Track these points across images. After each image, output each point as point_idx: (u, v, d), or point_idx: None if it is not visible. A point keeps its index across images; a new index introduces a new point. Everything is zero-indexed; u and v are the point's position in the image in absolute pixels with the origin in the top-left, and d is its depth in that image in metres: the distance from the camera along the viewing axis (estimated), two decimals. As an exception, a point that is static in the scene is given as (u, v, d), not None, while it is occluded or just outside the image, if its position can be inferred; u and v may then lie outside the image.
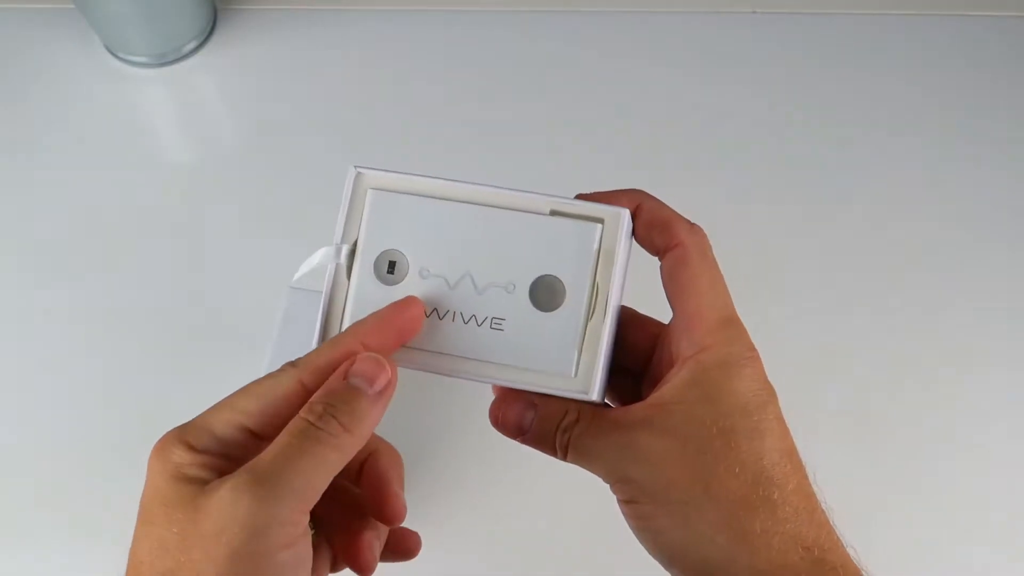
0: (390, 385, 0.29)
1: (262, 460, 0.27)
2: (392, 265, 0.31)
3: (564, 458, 0.31)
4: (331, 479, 0.28)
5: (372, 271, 0.31)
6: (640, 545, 0.31)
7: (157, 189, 0.66)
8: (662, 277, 0.32)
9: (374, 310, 0.30)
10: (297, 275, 0.32)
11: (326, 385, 0.28)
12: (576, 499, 0.53)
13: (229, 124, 0.71)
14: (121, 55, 0.70)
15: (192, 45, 0.71)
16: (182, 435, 0.28)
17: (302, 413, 0.28)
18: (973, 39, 0.73)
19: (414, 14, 0.73)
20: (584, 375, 0.30)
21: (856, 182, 0.66)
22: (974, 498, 0.55)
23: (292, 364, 0.29)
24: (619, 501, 0.31)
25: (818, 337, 0.60)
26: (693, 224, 0.32)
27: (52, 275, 0.63)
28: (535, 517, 0.54)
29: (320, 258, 0.31)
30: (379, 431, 0.31)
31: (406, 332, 0.30)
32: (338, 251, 0.31)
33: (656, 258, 0.32)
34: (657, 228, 0.31)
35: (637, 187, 0.32)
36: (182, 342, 0.60)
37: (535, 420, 0.31)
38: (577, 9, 0.73)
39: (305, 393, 0.28)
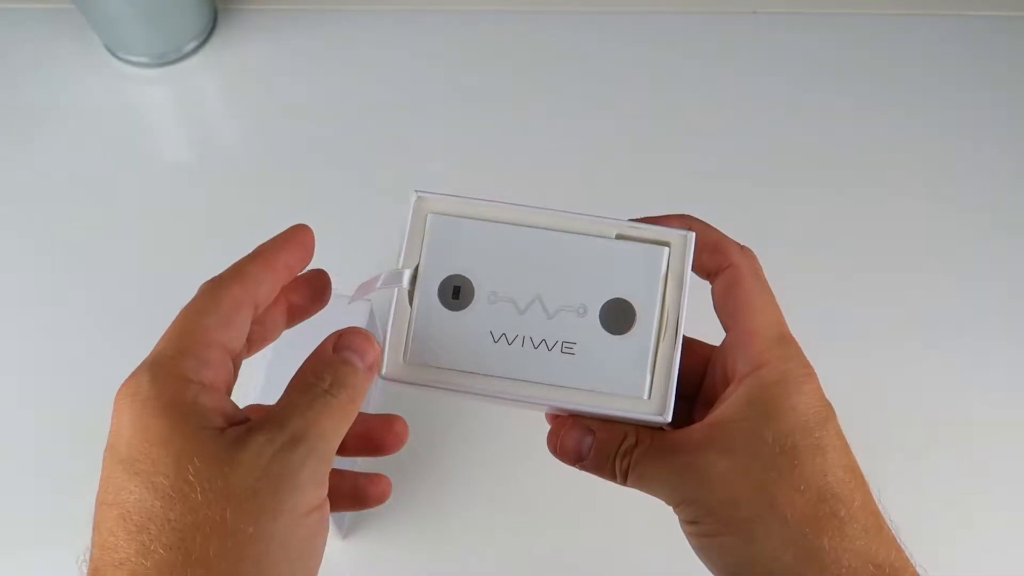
0: (377, 361, 0.29)
1: (290, 418, 0.26)
2: (457, 290, 0.30)
3: (624, 483, 0.31)
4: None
5: (436, 296, 0.30)
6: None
7: (157, 189, 0.66)
8: (714, 298, 0.32)
9: (440, 335, 0.30)
10: (352, 298, 0.31)
11: (320, 355, 0.28)
12: (569, 499, 0.53)
13: (229, 124, 0.71)
14: (121, 55, 0.70)
15: (192, 45, 0.70)
16: (176, 366, 0.26)
17: (311, 379, 0.27)
18: (973, 39, 0.73)
19: (414, 14, 0.73)
20: (658, 398, 0.30)
21: (856, 180, 0.66)
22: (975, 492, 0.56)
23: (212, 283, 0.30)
24: (681, 522, 0.31)
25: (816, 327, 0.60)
26: (743, 246, 0.32)
27: (51, 275, 0.63)
28: (525, 518, 0.54)
29: (381, 282, 0.30)
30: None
31: (301, 250, 0.30)
32: (399, 276, 0.30)
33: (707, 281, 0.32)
34: (708, 250, 0.31)
35: (686, 212, 0.32)
36: (182, 342, 0.60)
37: (594, 446, 0.31)
38: (577, 9, 0.73)
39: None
